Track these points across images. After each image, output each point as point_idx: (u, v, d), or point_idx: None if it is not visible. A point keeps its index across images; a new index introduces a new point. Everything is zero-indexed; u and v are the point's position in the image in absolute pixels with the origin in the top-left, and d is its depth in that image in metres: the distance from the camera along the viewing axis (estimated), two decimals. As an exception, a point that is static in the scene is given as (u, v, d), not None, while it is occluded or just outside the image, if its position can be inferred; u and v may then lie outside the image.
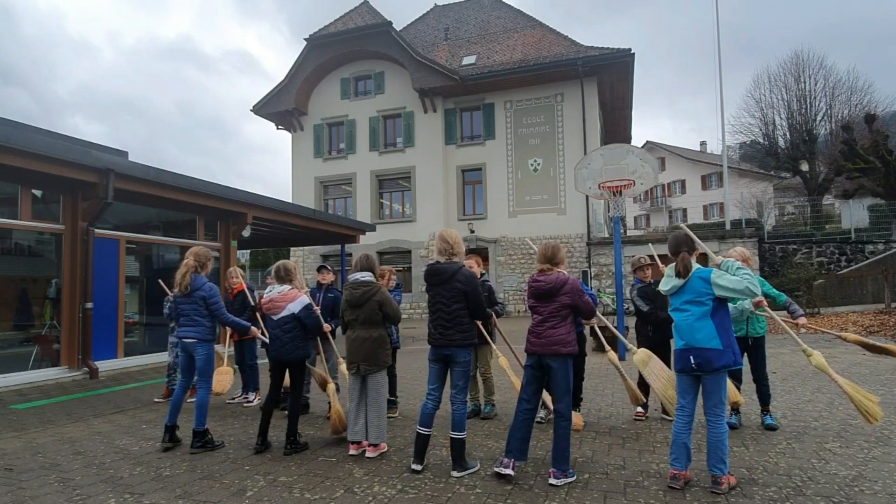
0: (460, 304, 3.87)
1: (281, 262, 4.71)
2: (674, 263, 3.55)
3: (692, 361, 3.40)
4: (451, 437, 3.78)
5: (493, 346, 5.11)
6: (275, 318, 4.45)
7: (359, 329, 4.26)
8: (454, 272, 3.88)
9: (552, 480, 3.50)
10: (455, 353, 3.86)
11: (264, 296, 4.63)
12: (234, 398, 6.42)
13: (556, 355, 3.60)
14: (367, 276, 4.31)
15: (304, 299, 4.52)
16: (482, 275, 5.34)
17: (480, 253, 20.83)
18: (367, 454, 4.15)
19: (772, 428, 4.62)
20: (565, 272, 3.81)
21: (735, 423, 4.71)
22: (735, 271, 3.36)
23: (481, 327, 4.54)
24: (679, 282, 3.49)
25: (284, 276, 4.57)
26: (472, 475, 3.69)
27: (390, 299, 4.34)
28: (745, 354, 4.77)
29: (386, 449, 4.26)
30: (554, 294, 3.68)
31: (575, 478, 3.57)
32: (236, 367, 6.42)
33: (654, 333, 5.21)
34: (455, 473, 3.71)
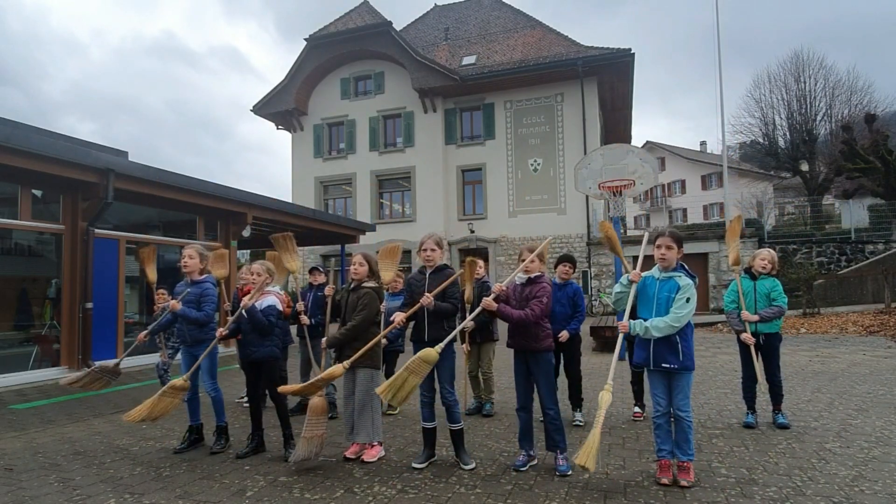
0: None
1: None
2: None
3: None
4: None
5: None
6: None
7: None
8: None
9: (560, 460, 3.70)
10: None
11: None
12: (242, 398, 6.41)
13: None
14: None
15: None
16: (482, 276, 5.34)
17: (481, 253, 20.88)
18: (364, 458, 4.00)
19: (785, 427, 4.62)
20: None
21: (752, 423, 4.71)
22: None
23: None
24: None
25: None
26: (472, 475, 3.70)
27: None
28: (757, 352, 4.76)
29: (383, 453, 4.16)
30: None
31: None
32: (237, 366, 6.40)
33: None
34: (466, 467, 3.80)
